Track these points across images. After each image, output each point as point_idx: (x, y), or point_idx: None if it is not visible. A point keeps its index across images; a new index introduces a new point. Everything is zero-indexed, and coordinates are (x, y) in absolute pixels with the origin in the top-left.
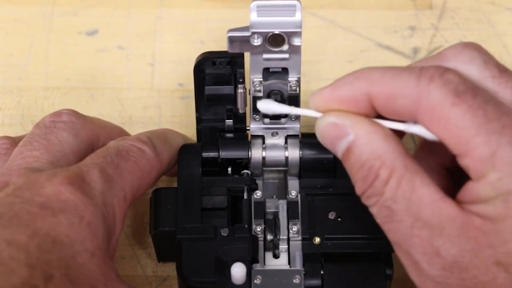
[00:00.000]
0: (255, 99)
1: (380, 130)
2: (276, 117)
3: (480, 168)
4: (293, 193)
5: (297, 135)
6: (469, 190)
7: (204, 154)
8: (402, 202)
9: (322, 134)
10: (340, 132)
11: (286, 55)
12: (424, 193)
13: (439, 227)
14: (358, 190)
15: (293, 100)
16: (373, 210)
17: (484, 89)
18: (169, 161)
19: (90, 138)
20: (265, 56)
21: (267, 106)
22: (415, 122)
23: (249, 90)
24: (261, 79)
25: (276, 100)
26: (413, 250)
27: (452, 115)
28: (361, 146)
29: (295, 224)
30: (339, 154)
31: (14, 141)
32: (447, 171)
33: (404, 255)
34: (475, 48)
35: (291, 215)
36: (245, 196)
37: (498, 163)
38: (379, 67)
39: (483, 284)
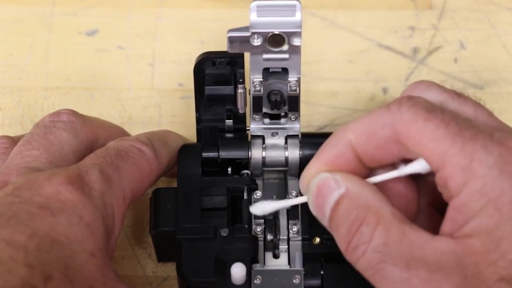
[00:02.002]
0: (255, 99)
1: (368, 184)
2: (276, 117)
3: (460, 177)
4: (293, 193)
5: (297, 135)
6: (457, 209)
7: (204, 154)
8: (394, 246)
9: (315, 192)
10: (330, 187)
11: (286, 55)
12: (415, 236)
13: (436, 263)
14: (343, 242)
15: (293, 100)
16: (361, 262)
17: (448, 108)
18: (168, 162)
19: (90, 138)
20: (265, 56)
21: (262, 208)
22: (403, 161)
23: (249, 90)
24: (261, 79)
25: (275, 101)
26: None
27: (426, 129)
28: (350, 197)
29: (295, 224)
30: (327, 212)
31: (13, 141)
32: (437, 211)
33: None
34: (429, 81)
35: (291, 215)
36: (245, 196)
37: (477, 168)
38: (354, 119)
39: None
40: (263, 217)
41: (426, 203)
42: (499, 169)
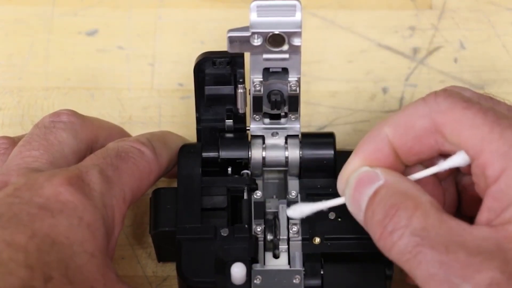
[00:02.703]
0: (255, 99)
1: (407, 178)
2: (276, 117)
3: (499, 163)
4: (293, 193)
5: (297, 135)
6: (494, 198)
7: (204, 154)
8: (432, 230)
9: (353, 185)
10: (370, 178)
11: (286, 55)
12: (453, 223)
13: (476, 248)
14: (378, 227)
15: (293, 100)
16: (398, 246)
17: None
18: (168, 163)
19: (89, 138)
20: (265, 56)
21: (299, 210)
22: (442, 156)
23: (249, 90)
24: (261, 79)
25: (275, 101)
26: (451, 274)
27: (464, 117)
28: (389, 187)
29: (295, 224)
30: (363, 204)
31: (13, 141)
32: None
33: (440, 284)
34: (459, 87)
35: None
36: (245, 196)
37: None
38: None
39: None
40: (263, 217)
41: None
42: None
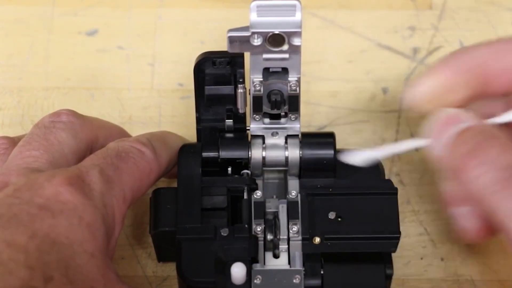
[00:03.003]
0: (255, 99)
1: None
2: (276, 117)
3: None
4: (293, 193)
5: (297, 135)
6: None
7: (204, 154)
8: None
9: (443, 119)
10: (455, 119)
11: (286, 55)
12: None
13: None
14: (463, 159)
15: (293, 100)
16: (484, 178)
17: None
18: (168, 163)
19: (89, 138)
20: (265, 56)
21: (364, 156)
22: None
23: (249, 90)
24: (261, 79)
25: (276, 101)
26: None
27: None
28: (475, 129)
29: (295, 224)
30: (447, 138)
31: (13, 141)
32: None
33: None
34: None
35: (291, 215)
36: (245, 196)
37: None
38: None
39: None
40: (263, 217)
41: None
42: None
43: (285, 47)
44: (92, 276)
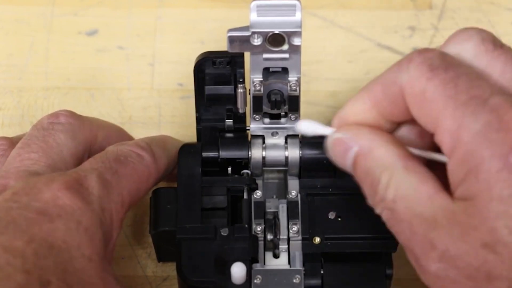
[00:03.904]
0: (255, 98)
1: (379, 137)
2: (276, 117)
3: (449, 142)
4: (293, 193)
5: (297, 135)
6: (449, 173)
7: (204, 154)
8: (402, 202)
9: (331, 152)
10: (345, 145)
11: (286, 55)
12: (422, 191)
13: (433, 220)
14: (368, 200)
15: (293, 100)
16: (383, 217)
17: (463, 63)
18: (167, 167)
19: (88, 139)
20: (265, 56)
21: (310, 126)
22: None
23: (249, 90)
24: (261, 79)
25: (276, 101)
26: (415, 247)
27: (426, 89)
28: (364, 155)
29: (295, 224)
30: (349, 169)
31: (11, 142)
32: None
33: (410, 255)
34: (475, 29)
35: (291, 215)
36: (245, 196)
37: (463, 135)
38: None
39: (476, 269)
40: (263, 217)
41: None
42: (483, 137)
43: (285, 47)
44: (90, 280)
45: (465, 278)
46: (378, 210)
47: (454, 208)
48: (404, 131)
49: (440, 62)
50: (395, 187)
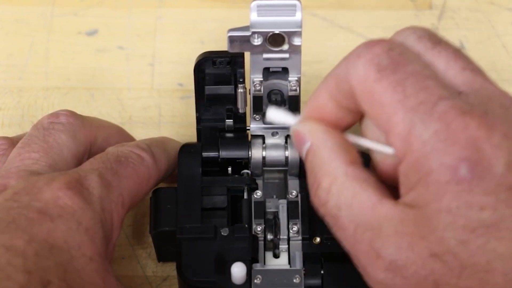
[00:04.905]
0: (256, 98)
1: (330, 139)
2: None
3: (401, 147)
4: (293, 193)
5: None
6: (400, 174)
7: (204, 154)
8: (345, 209)
9: (292, 140)
10: (300, 139)
11: (286, 55)
12: (364, 198)
13: (378, 229)
14: (310, 198)
15: (293, 100)
16: (326, 221)
17: (411, 59)
18: (167, 169)
19: (88, 139)
20: (265, 55)
21: (276, 115)
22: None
23: (249, 90)
24: (261, 79)
25: (276, 100)
26: (359, 256)
27: (375, 90)
28: (312, 154)
29: (295, 224)
30: (302, 157)
31: (12, 142)
32: None
33: (356, 262)
34: (410, 28)
35: (291, 215)
36: (245, 196)
37: (413, 142)
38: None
39: (424, 278)
40: (263, 216)
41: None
42: (432, 147)
43: (285, 47)
44: (91, 280)
45: (413, 287)
46: (320, 213)
47: (402, 216)
48: (369, 121)
49: (388, 61)
50: (337, 194)
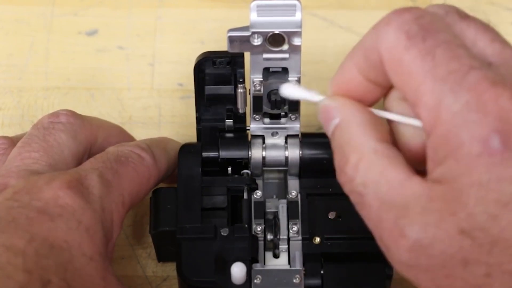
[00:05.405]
0: (255, 99)
1: (360, 115)
2: (276, 117)
3: (429, 119)
4: (293, 193)
5: (297, 135)
6: (428, 149)
7: (204, 154)
8: (371, 186)
9: (319, 117)
10: (329, 114)
11: (286, 55)
12: (392, 176)
13: (404, 207)
14: (337, 175)
15: (293, 100)
16: (351, 199)
17: (441, 27)
18: (167, 169)
19: (88, 139)
20: (265, 56)
21: (294, 91)
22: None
23: (249, 90)
24: (261, 79)
25: (276, 101)
26: (384, 235)
27: (404, 59)
28: (340, 130)
29: (295, 224)
30: (329, 133)
31: (12, 141)
32: None
33: (379, 243)
34: (438, 4)
35: (291, 215)
36: (245, 196)
37: (443, 113)
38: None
39: (451, 257)
40: (263, 216)
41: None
42: (462, 118)
43: (285, 47)
44: (91, 280)
45: (439, 266)
46: (345, 190)
47: (429, 193)
48: (396, 94)
49: (418, 28)
50: (365, 171)
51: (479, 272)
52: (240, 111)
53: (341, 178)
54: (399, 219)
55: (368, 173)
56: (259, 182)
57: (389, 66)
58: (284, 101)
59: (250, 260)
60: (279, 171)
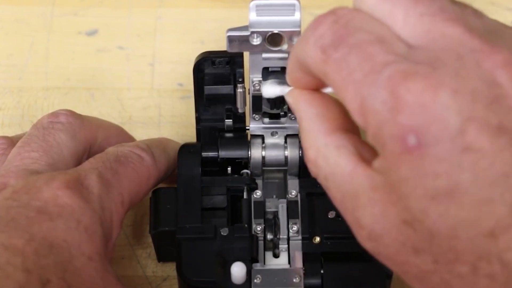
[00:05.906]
0: (255, 98)
1: (309, 109)
2: (275, 117)
3: (360, 122)
4: (293, 193)
5: (296, 135)
6: (370, 139)
7: (204, 154)
8: (331, 179)
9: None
10: (292, 110)
11: (286, 55)
12: (342, 166)
13: (356, 198)
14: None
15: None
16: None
17: (356, 28)
18: (166, 169)
19: (88, 139)
20: (265, 55)
21: (270, 88)
22: None
23: (249, 89)
24: (261, 79)
25: (275, 100)
26: (351, 226)
27: (326, 71)
28: (299, 126)
29: (295, 224)
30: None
31: (11, 141)
32: None
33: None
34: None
35: (291, 215)
36: (245, 196)
37: (368, 115)
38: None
39: (402, 245)
40: (263, 216)
41: None
42: (382, 118)
43: (285, 46)
44: (91, 279)
45: (395, 254)
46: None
47: (372, 183)
48: None
49: (331, 39)
50: (323, 165)
51: (428, 260)
52: (240, 110)
53: (312, 174)
54: (355, 210)
55: (326, 167)
56: (259, 182)
57: (320, 77)
58: (283, 100)
59: (250, 260)
60: (278, 170)
